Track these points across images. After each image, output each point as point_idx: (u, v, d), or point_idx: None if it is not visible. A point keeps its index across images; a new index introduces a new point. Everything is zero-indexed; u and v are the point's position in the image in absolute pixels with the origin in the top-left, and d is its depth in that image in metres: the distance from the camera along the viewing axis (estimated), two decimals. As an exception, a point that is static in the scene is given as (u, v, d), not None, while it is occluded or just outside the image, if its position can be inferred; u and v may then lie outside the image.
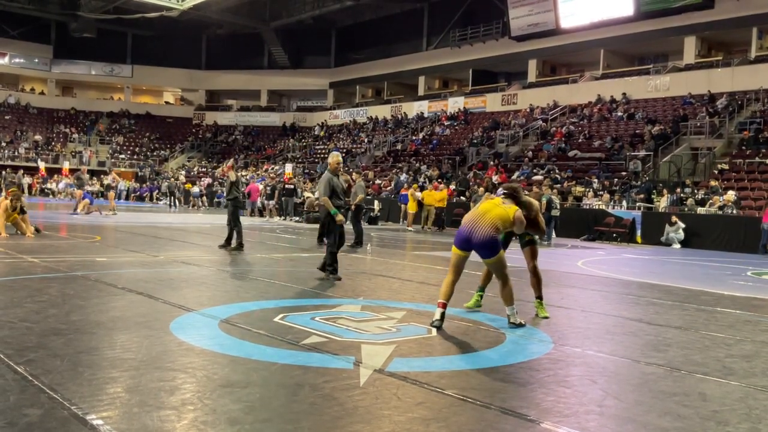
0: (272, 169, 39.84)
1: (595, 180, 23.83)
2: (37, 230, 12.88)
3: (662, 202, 20.82)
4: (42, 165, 41.97)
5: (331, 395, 3.70)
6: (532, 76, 37.00)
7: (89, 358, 4.23)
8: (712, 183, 21.11)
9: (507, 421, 3.43)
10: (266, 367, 4.24)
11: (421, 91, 43.59)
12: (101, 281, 7.46)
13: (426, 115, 41.00)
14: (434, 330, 5.54)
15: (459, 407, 3.61)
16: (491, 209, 5.91)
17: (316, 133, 46.66)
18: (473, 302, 6.82)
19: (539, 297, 6.64)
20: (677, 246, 18.29)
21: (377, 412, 3.47)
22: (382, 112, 44.18)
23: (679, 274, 12.02)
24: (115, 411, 3.29)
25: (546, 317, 6.44)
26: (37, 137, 47.09)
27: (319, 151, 41.72)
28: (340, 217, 8.67)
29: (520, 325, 5.86)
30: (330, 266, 8.59)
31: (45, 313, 5.55)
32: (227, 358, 4.40)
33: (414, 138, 37.87)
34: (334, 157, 9.00)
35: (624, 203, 21.54)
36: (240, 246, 11.60)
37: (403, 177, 30.25)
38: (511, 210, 5.94)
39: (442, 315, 5.69)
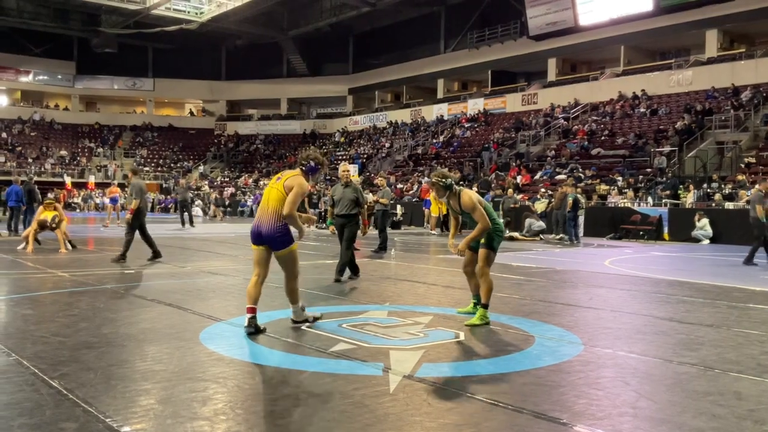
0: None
1: (620, 177, 23.61)
2: (72, 245, 13.10)
3: (689, 198, 20.56)
4: (68, 180, 42.62)
5: (362, 402, 3.70)
6: (551, 75, 36.81)
7: (122, 371, 4.28)
8: (739, 177, 20.79)
9: (539, 425, 3.40)
10: (296, 375, 4.25)
11: (440, 94, 43.57)
12: (130, 293, 7.54)
13: (446, 117, 40.95)
14: (462, 334, 5.52)
15: (490, 412, 3.59)
16: (270, 195, 5.46)
17: (336, 139, 46.83)
18: (470, 308, 6.34)
19: (481, 304, 5.98)
20: (706, 242, 18.03)
21: (408, 419, 3.46)
22: (402, 116, 44.22)
23: (708, 270, 11.85)
24: (149, 423, 3.32)
25: (470, 325, 5.80)
26: (63, 152, 47.83)
27: (340, 158, 41.85)
28: (330, 228, 9.53)
29: (306, 321, 5.68)
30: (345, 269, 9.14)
31: (76, 327, 5.63)
32: (257, 368, 4.43)
33: (434, 141, 37.83)
34: (340, 167, 9.33)
35: (650, 200, 21.30)
36: (123, 257, 10.63)
37: (424, 180, 30.22)
38: (280, 183, 5.41)
39: (250, 321, 5.33)
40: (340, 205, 9.20)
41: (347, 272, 9.17)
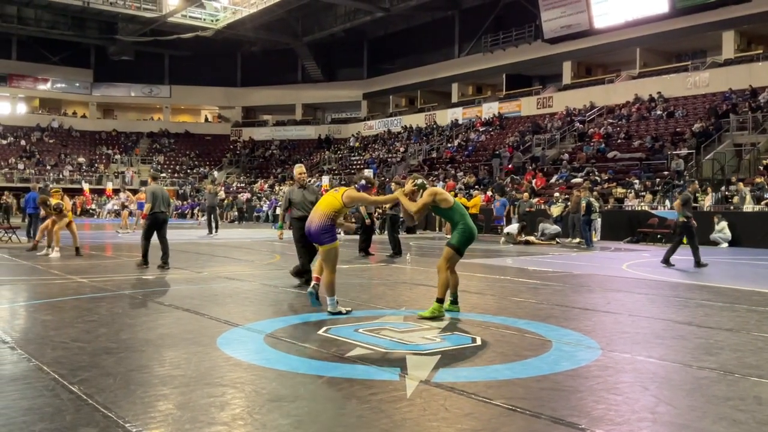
0: (309, 181, 40.16)
1: (637, 181, 23.44)
2: (77, 252, 13.13)
3: (707, 201, 20.38)
4: (86, 187, 43.03)
5: (379, 407, 3.70)
6: (567, 78, 36.68)
7: (140, 376, 4.31)
8: (758, 180, 20.60)
9: (558, 431, 3.38)
10: (313, 380, 4.26)
11: (454, 98, 43.54)
12: (148, 299, 7.60)
13: (460, 121, 40.90)
14: (478, 338, 5.51)
15: (508, 417, 3.57)
16: (323, 201, 6.68)
17: (351, 144, 46.93)
18: (446, 305, 6.72)
19: (436, 298, 6.48)
20: (724, 245, 17.86)
21: (426, 424, 3.46)
22: (416, 120, 44.25)
23: (727, 274, 11.74)
24: (167, 428, 3.34)
25: (422, 317, 6.36)
26: (81, 159, 48.32)
27: (355, 162, 41.94)
28: (278, 233, 9.51)
29: (339, 313, 6.44)
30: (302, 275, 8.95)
31: (96, 332, 5.68)
32: (274, 372, 4.44)
33: (449, 145, 37.79)
34: (297, 169, 9.10)
35: (667, 203, 21.12)
36: (144, 262, 10.76)
37: (440, 185, 30.21)
38: (339, 194, 6.54)
39: (314, 285, 6.81)
40: (300, 207, 8.82)
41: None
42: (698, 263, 12.07)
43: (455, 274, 6.79)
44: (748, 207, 18.97)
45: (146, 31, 45.48)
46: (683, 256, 15.30)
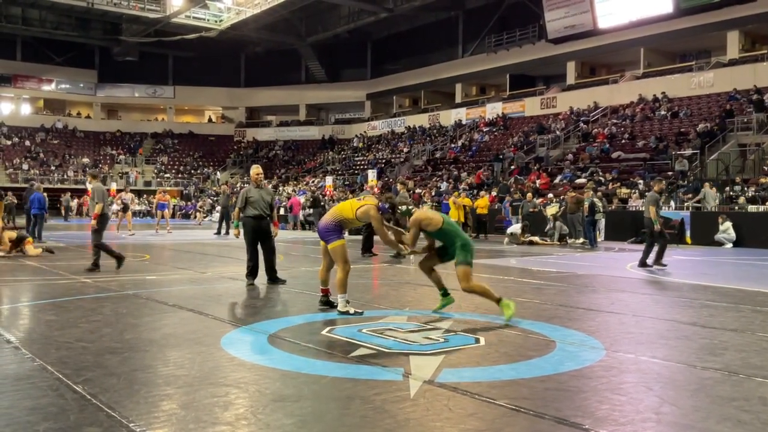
0: (312, 182, 40.20)
1: (641, 181, 23.39)
2: (49, 251, 13.06)
3: (711, 201, 20.32)
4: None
5: (383, 407, 3.70)
6: (571, 79, 36.62)
7: (144, 376, 4.32)
8: (762, 180, 20.55)
9: (562, 431, 3.38)
10: (316, 380, 4.26)
11: (458, 99, 43.52)
12: (152, 299, 7.61)
13: (464, 122, 40.88)
14: (482, 339, 5.50)
15: (512, 417, 3.57)
16: (342, 205, 6.90)
17: (354, 144, 46.94)
18: (440, 305, 6.86)
19: (494, 300, 6.48)
20: (729, 246, 17.81)
21: (429, 424, 3.46)
22: (420, 120, 44.24)
23: (732, 274, 11.71)
24: (171, 427, 3.34)
25: (508, 318, 6.31)
26: (85, 160, 48.41)
27: (359, 163, 41.95)
28: (235, 231, 9.09)
29: (347, 313, 6.47)
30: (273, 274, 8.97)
31: (100, 332, 5.68)
32: (278, 373, 4.44)
33: (453, 145, 37.78)
34: (254, 170, 9.17)
35: (672, 203, 21.08)
36: (119, 261, 10.50)
37: (443, 185, 30.19)
38: (356, 206, 6.68)
39: (321, 298, 6.91)
40: (256, 206, 8.81)
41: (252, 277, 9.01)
42: (643, 263, 11.87)
43: (435, 272, 6.92)
44: (748, 208, 18.97)
45: (150, 31, 45.57)
46: (685, 256, 15.27)
